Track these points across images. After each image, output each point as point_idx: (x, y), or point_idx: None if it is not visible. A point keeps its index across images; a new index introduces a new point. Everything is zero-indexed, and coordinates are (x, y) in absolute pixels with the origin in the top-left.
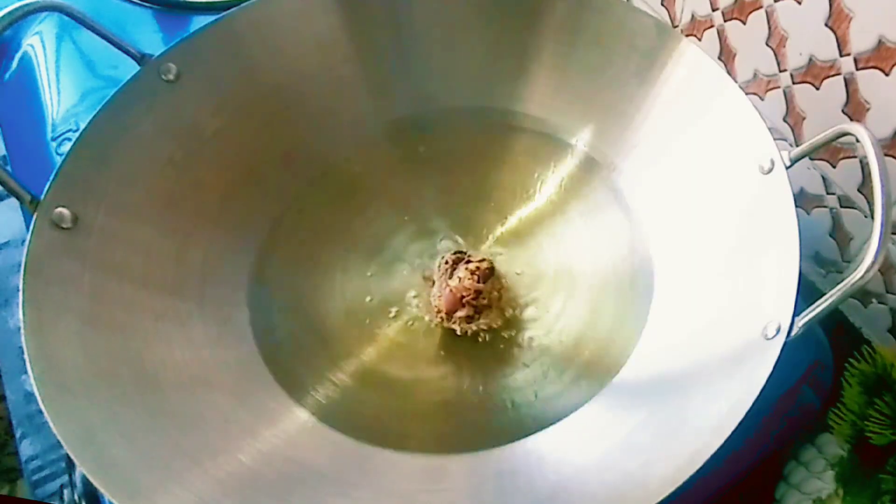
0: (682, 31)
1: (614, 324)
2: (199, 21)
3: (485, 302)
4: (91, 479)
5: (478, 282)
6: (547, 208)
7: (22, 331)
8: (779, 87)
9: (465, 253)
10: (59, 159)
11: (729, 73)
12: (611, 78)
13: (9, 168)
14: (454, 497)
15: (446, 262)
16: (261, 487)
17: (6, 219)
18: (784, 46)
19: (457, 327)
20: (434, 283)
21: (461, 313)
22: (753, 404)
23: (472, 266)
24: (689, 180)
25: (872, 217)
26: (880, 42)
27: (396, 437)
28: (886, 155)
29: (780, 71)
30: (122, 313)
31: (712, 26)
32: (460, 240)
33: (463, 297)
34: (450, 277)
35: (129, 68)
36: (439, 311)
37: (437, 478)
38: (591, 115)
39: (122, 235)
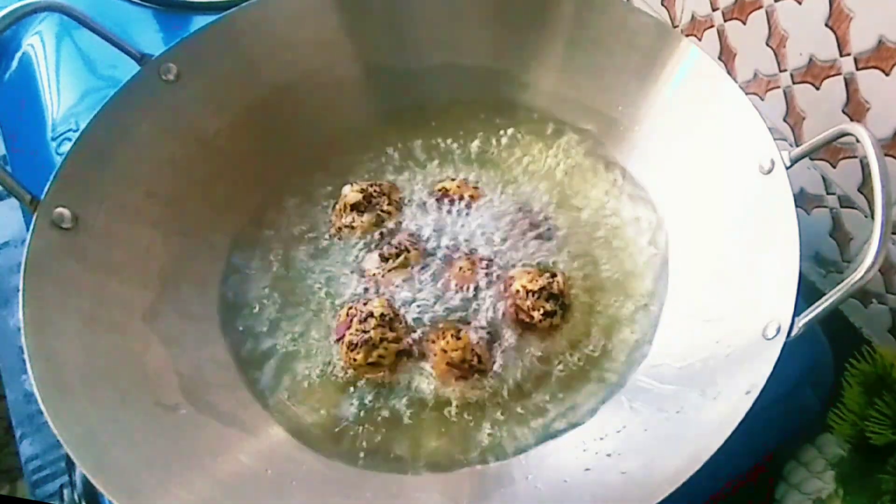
0: (682, 31)
1: (615, 325)
2: (199, 21)
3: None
4: (91, 480)
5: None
6: (553, 207)
7: (22, 331)
8: (779, 87)
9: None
10: (59, 159)
11: (729, 73)
12: (611, 78)
13: (9, 168)
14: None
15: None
16: (261, 487)
17: (6, 219)
18: (784, 46)
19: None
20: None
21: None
22: (753, 404)
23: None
24: (690, 180)
25: (872, 217)
26: (880, 42)
27: (396, 458)
28: (886, 155)
29: (781, 71)
30: (121, 313)
31: (712, 26)
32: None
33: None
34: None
35: (129, 68)
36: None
37: (439, 484)
38: (592, 115)
39: (122, 235)
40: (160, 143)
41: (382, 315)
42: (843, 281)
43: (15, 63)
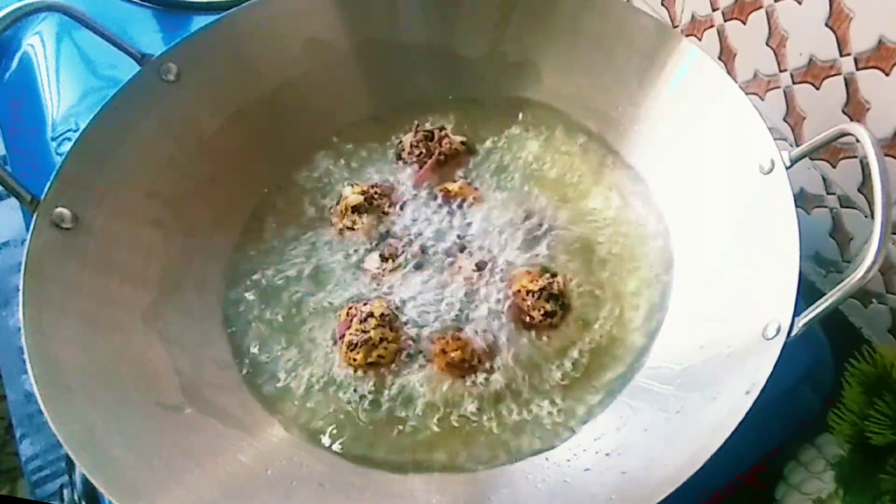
0: (682, 31)
1: (615, 326)
2: (199, 21)
3: None
4: (91, 479)
5: None
6: (554, 207)
7: (22, 331)
8: (779, 87)
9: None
10: (59, 159)
11: (729, 73)
12: (612, 78)
13: (9, 168)
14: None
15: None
16: (261, 487)
17: (6, 219)
18: (784, 46)
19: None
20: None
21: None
22: (753, 404)
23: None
24: (690, 180)
25: (872, 217)
26: (880, 42)
27: (396, 458)
28: (886, 155)
29: (781, 71)
30: (121, 313)
31: (712, 26)
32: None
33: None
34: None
35: (129, 68)
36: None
37: (439, 484)
38: (592, 115)
39: (122, 235)
40: (160, 143)
41: (382, 315)
42: (843, 281)
43: (15, 63)
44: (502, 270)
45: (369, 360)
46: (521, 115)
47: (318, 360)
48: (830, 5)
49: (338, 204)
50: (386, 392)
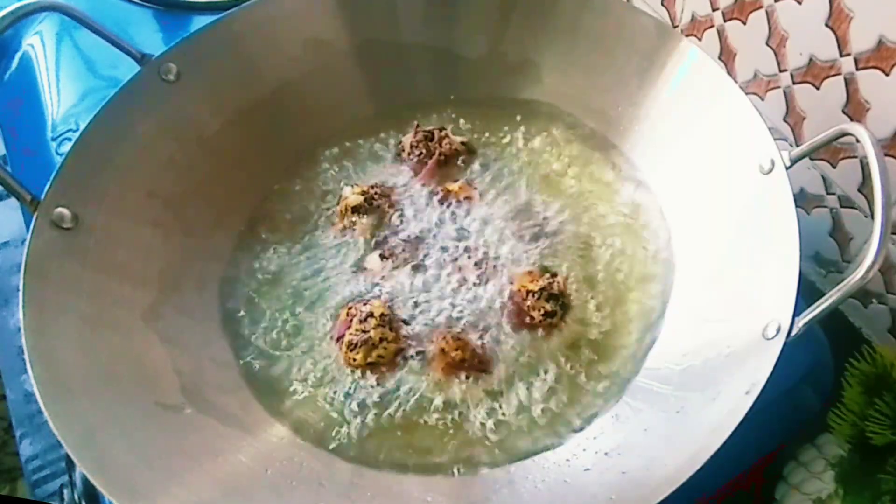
0: (682, 31)
1: (615, 326)
2: (199, 21)
3: None
4: (91, 479)
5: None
6: (554, 207)
7: (22, 331)
8: (779, 87)
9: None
10: (59, 159)
11: (729, 73)
12: (612, 78)
13: (9, 168)
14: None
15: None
16: (261, 487)
17: (6, 219)
18: (784, 46)
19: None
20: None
21: None
22: (753, 404)
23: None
24: (690, 181)
25: (872, 217)
26: (880, 42)
27: (397, 458)
28: (886, 155)
29: (781, 71)
30: (121, 313)
31: (712, 26)
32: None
33: None
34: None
35: (129, 68)
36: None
37: (439, 484)
38: (593, 115)
39: (122, 235)
40: (160, 143)
41: (382, 315)
42: (843, 281)
43: (15, 63)
44: (502, 270)
45: (369, 360)
46: (520, 115)
47: (317, 360)
48: (830, 5)
49: (338, 204)
50: (385, 392)
